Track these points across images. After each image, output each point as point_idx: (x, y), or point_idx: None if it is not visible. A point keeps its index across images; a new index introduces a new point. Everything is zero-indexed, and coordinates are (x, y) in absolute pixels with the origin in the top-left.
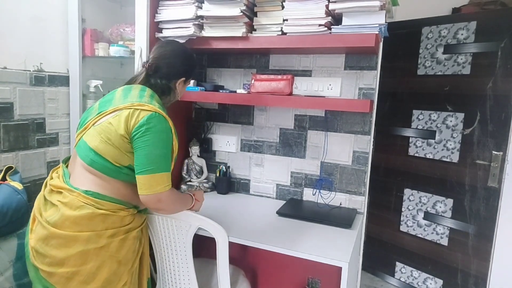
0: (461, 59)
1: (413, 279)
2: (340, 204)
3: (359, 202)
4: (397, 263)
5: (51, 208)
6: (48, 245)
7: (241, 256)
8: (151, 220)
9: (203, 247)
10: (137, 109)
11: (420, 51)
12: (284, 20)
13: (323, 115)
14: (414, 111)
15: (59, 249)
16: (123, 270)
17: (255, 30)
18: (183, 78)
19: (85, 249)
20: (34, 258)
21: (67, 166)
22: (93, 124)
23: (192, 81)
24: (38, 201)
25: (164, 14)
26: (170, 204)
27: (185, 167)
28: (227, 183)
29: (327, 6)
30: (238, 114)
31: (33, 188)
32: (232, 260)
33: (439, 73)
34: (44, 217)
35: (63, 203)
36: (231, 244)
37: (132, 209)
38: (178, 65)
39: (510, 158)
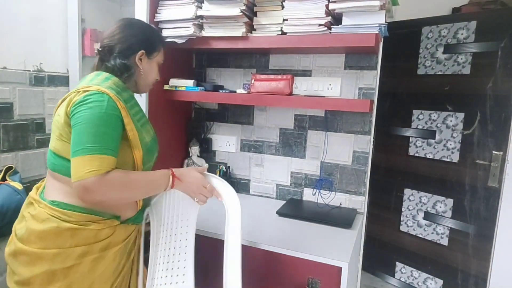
0: (461, 59)
1: (413, 279)
2: (340, 204)
3: (359, 202)
4: (397, 263)
5: (22, 221)
6: (17, 261)
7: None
8: (157, 204)
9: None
10: (79, 91)
11: (420, 51)
12: (284, 20)
13: (323, 115)
14: (414, 111)
15: (26, 266)
16: None
17: (255, 30)
18: (142, 51)
19: (50, 268)
20: (7, 274)
21: None
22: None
23: (192, 81)
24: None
25: (164, 14)
26: (106, 192)
27: (185, 167)
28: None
29: (327, 6)
30: (238, 114)
31: (32, 188)
32: None
33: (439, 73)
34: (14, 230)
35: (31, 215)
36: None
37: (109, 220)
38: (129, 38)
39: (510, 158)
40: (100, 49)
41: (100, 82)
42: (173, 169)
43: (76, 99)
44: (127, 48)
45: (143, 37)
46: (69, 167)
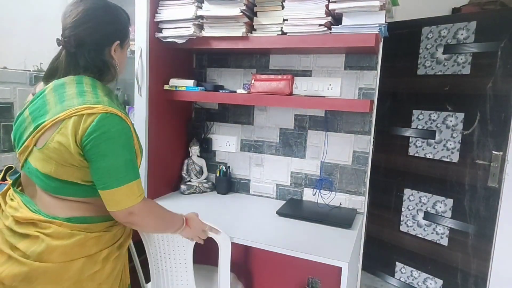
0: (461, 59)
1: (413, 279)
2: (340, 204)
3: (359, 202)
4: (397, 263)
5: (26, 239)
6: (31, 284)
7: (241, 256)
8: None
9: (197, 252)
10: (82, 114)
11: (420, 51)
12: (284, 20)
13: (323, 115)
14: (414, 111)
15: (50, 284)
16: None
17: (255, 30)
18: (117, 42)
19: (79, 278)
20: None
21: (21, 190)
22: (35, 144)
23: (192, 81)
24: None
25: (164, 14)
26: (145, 217)
27: (185, 167)
28: (227, 183)
29: (327, 6)
30: (238, 114)
31: None
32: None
33: (439, 73)
34: (21, 251)
35: (45, 234)
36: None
37: (111, 222)
38: (103, 26)
39: (510, 158)
40: (65, 40)
41: (93, 96)
42: (184, 217)
43: (85, 128)
44: (101, 39)
45: (117, 25)
46: (78, 190)
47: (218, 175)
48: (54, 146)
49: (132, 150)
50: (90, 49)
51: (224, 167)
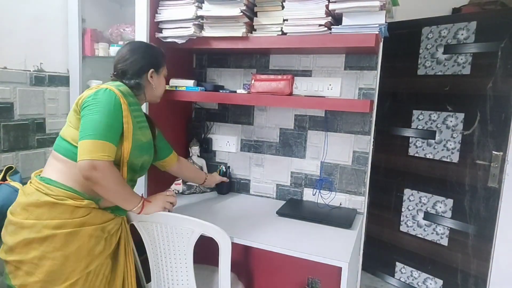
0: (461, 59)
1: (413, 279)
2: (340, 204)
3: (359, 202)
4: (397, 263)
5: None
6: (6, 231)
7: (241, 256)
8: (147, 226)
9: (197, 251)
10: (92, 88)
11: (420, 51)
12: (284, 20)
13: (323, 115)
14: (414, 111)
15: (11, 236)
16: (71, 267)
17: (255, 30)
18: (152, 70)
19: (28, 237)
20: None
21: None
22: None
23: (192, 81)
24: None
25: (164, 14)
26: (107, 177)
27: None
28: (227, 183)
29: (327, 6)
30: (238, 114)
31: None
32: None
33: (439, 73)
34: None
35: (22, 190)
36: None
37: (87, 201)
38: (139, 60)
39: (510, 158)
40: (115, 73)
41: (111, 84)
42: (142, 196)
43: (88, 94)
44: (139, 69)
45: (151, 58)
46: (69, 149)
47: (218, 174)
48: (70, 111)
49: (115, 118)
50: (130, 77)
51: (224, 167)
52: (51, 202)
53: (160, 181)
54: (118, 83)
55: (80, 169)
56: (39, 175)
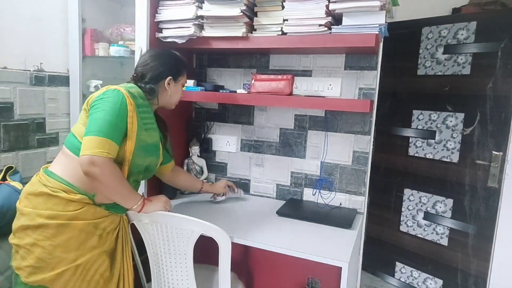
0: (461, 59)
1: (413, 279)
2: (340, 204)
3: (359, 202)
4: (397, 263)
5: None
6: (15, 217)
7: (241, 256)
8: (147, 226)
9: (197, 251)
10: (102, 89)
11: (420, 51)
12: (284, 20)
13: (323, 115)
14: (414, 111)
15: (15, 220)
16: (59, 258)
17: (255, 30)
18: (170, 77)
19: (24, 224)
20: None
21: None
22: None
23: (192, 81)
24: None
25: (164, 14)
26: (105, 173)
27: (185, 167)
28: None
29: (327, 6)
30: (238, 114)
31: None
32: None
33: (439, 73)
34: None
35: (31, 180)
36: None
37: (81, 196)
38: (159, 66)
39: (510, 158)
40: (134, 75)
41: (123, 85)
42: (143, 196)
43: (98, 93)
44: (157, 75)
45: (170, 66)
46: (75, 145)
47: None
48: (82, 110)
49: (118, 117)
50: (147, 81)
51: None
52: (47, 193)
53: (160, 182)
54: (131, 84)
55: (80, 164)
56: (47, 168)
